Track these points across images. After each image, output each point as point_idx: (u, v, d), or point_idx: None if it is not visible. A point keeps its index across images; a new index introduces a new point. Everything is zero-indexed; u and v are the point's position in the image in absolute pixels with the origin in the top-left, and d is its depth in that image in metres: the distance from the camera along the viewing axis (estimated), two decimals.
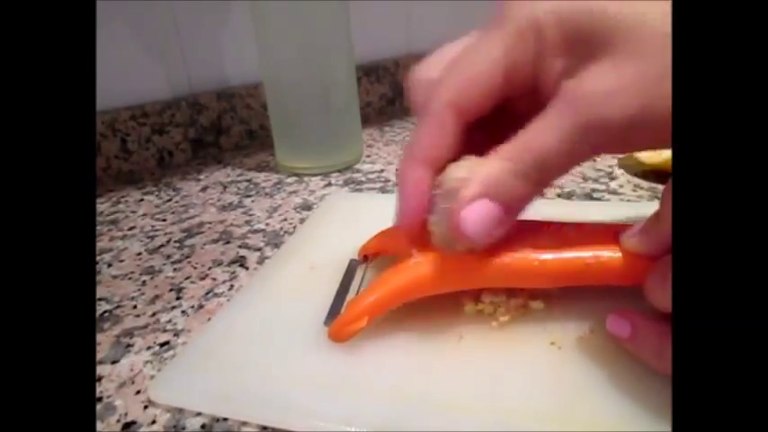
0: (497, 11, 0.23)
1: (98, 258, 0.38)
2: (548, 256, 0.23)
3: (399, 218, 0.24)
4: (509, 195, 0.21)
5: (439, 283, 0.24)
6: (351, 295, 0.28)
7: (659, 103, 0.19)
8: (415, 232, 0.24)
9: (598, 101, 0.19)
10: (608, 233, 0.24)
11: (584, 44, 0.20)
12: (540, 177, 0.21)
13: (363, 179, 0.49)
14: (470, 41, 0.23)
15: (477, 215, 0.21)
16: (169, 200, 0.49)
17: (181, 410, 0.23)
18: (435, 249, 0.24)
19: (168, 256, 0.38)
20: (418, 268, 0.24)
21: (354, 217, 0.39)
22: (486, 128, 0.23)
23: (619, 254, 0.23)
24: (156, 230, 0.42)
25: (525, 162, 0.21)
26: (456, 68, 0.23)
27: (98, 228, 0.44)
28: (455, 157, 0.23)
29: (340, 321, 0.24)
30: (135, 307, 0.32)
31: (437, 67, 0.24)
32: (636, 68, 0.19)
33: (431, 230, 0.24)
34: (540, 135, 0.20)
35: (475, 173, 0.21)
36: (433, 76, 0.24)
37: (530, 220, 0.25)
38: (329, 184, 0.48)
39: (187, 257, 0.37)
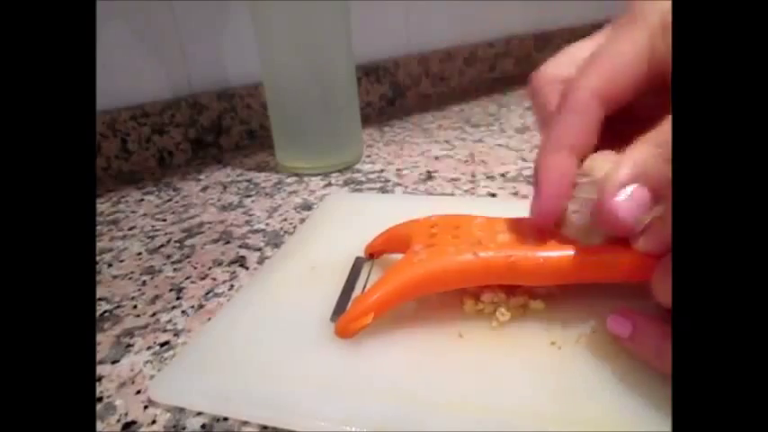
0: (628, 9, 0.23)
1: (98, 258, 0.38)
2: (551, 253, 0.23)
3: (538, 205, 0.24)
4: (658, 180, 0.21)
5: (446, 279, 0.24)
6: (356, 292, 0.28)
7: None
8: (551, 221, 0.24)
9: None
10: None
11: None
12: None
13: (363, 179, 0.49)
14: (603, 38, 0.24)
15: (628, 200, 0.21)
16: (169, 200, 0.49)
17: (181, 410, 0.23)
18: (440, 246, 0.24)
19: (168, 256, 0.38)
20: (425, 265, 0.24)
21: (354, 217, 0.39)
22: (618, 123, 0.23)
23: (623, 251, 0.23)
24: (157, 230, 0.42)
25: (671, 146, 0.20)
26: (599, 60, 0.23)
27: (98, 228, 0.44)
28: (594, 149, 0.23)
29: (346, 317, 0.24)
30: (135, 307, 0.32)
31: (565, 65, 0.24)
32: None
33: (568, 220, 0.23)
34: None
35: (623, 160, 0.21)
36: (562, 74, 0.24)
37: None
38: (329, 184, 0.48)
39: (187, 257, 0.37)
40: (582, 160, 0.23)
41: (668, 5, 0.21)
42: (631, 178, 0.21)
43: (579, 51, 0.24)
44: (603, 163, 0.22)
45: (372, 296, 0.24)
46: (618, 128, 0.23)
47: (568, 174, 0.23)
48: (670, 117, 0.20)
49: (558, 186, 0.23)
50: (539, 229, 0.25)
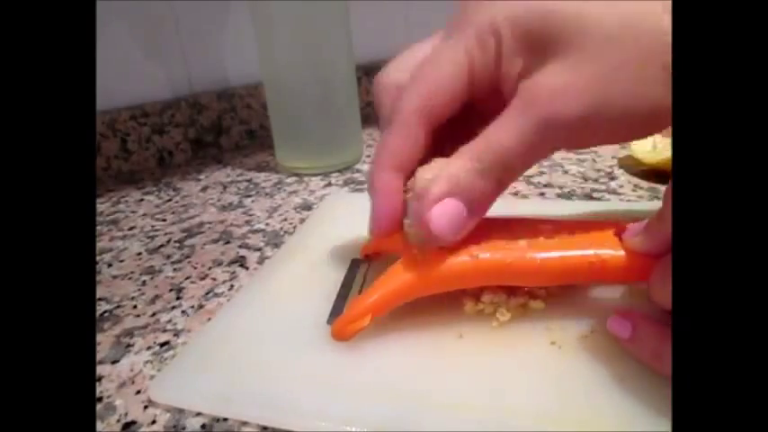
0: (456, 12, 0.24)
1: (98, 258, 0.38)
2: (550, 254, 0.23)
3: (373, 223, 0.25)
4: (473, 193, 0.22)
5: (442, 281, 0.24)
6: (353, 294, 0.28)
7: (611, 100, 0.20)
8: (389, 236, 0.25)
9: (553, 99, 0.20)
10: (610, 232, 0.24)
11: (539, 45, 0.21)
12: (502, 175, 0.22)
13: (363, 179, 0.49)
14: (432, 45, 0.24)
15: (443, 214, 0.22)
16: (169, 200, 0.49)
17: (181, 410, 0.23)
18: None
19: (168, 256, 0.38)
20: (422, 267, 0.24)
21: (354, 217, 0.38)
22: (452, 127, 0.24)
23: (621, 252, 0.23)
24: (156, 230, 0.42)
25: (487, 161, 0.21)
26: (420, 75, 0.23)
27: (98, 228, 0.44)
28: (424, 160, 0.24)
29: (343, 320, 0.24)
30: (135, 307, 0.32)
31: (402, 70, 0.25)
32: (587, 67, 0.20)
33: (406, 232, 0.24)
34: (500, 134, 0.21)
35: (440, 172, 0.22)
36: (399, 80, 0.24)
37: (532, 218, 0.25)
38: (329, 184, 0.48)
39: (187, 257, 0.37)
40: (411, 174, 0.24)
41: (492, 10, 0.22)
42: (444, 192, 0.22)
43: (416, 54, 0.25)
44: (425, 173, 0.23)
45: (369, 299, 0.24)
46: (464, 127, 0.24)
47: (394, 192, 0.24)
48: (489, 128, 0.22)
49: (386, 204, 0.24)
50: (539, 227, 0.25)
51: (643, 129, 0.22)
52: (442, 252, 0.24)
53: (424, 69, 0.23)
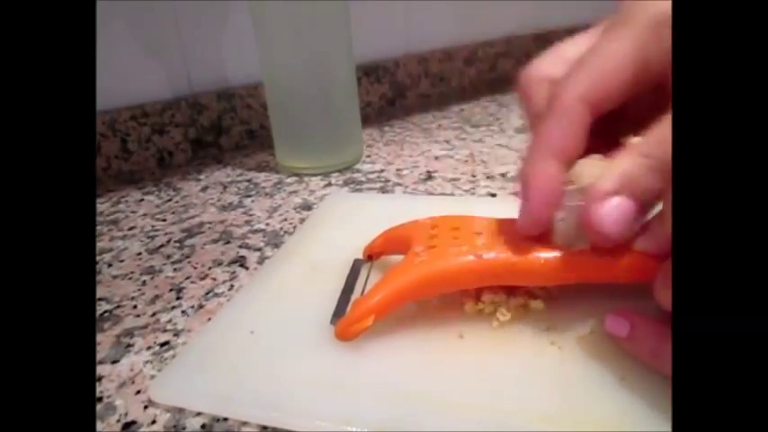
0: (618, 9, 0.23)
1: (98, 258, 0.38)
2: (552, 254, 0.23)
3: (526, 214, 0.23)
4: (644, 191, 0.21)
5: (446, 282, 0.24)
6: (356, 294, 0.28)
7: None
8: (540, 229, 0.23)
9: None
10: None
11: None
12: None
13: (363, 179, 0.49)
14: (591, 39, 0.23)
15: (614, 212, 0.21)
16: (169, 200, 0.49)
17: (181, 410, 0.23)
18: (438, 249, 0.24)
19: (168, 256, 0.38)
20: (425, 267, 0.24)
21: (354, 217, 0.39)
22: (610, 125, 0.23)
23: (623, 252, 0.23)
24: (156, 230, 0.42)
25: (659, 158, 0.20)
26: (586, 63, 0.23)
27: (98, 228, 0.44)
28: (582, 154, 0.23)
29: (346, 320, 0.24)
30: (135, 307, 0.32)
31: (554, 64, 0.24)
32: None
33: (555, 227, 0.23)
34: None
35: (609, 169, 0.21)
36: (552, 73, 0.24)
37: None
38: (329, 184, 0.48)
39: (187, 257, 0.37)
40: (569, 166, 0.23)
41: (660, 7, 0.21)
42: (617, 189, 0.21)
43: (568, 50, 0.24)
44: (591, 169, 0.22)
45: (373, 298, 0.24)
46: (612, 129, 0.23)
47: (555, 182, 0.23)
48: (660, 123, 0.20)
49: (546, 195, 0.23)
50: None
51: None
52: (445, 253, 0.24)
53: (590, 59, 0.22)
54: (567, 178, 0.23)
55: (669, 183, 0.21)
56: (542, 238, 0.24)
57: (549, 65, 0.25)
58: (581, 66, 0.23)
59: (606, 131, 0.23)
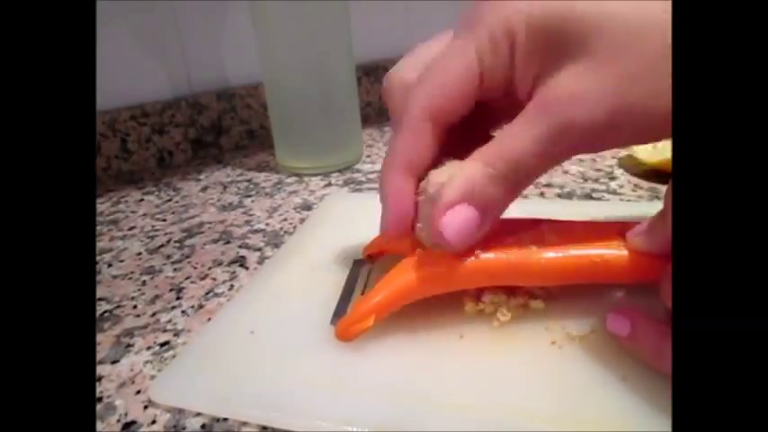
0: (470, 11, 0.23)
1: (98, 258, 0.38)
2: (554, 254, 0.23)
3: (384, 226, 0.25)
4: (487, 199, 0.21)
5: (446, 282, 0.24)
6: (356, 295, 0.28)
7: (634, 102, 0.19)
8: (401, 238, 0.25)
9: (573, 103, 0.19)
10: (613, 231, 0.24)
11: (556, 47, 0.20)
12: (517, 180, 0.21)
13: (363, 179, 0.49)
14: (444, 44, 0.23)
15: (456, 220, 0.21)
16: (169, 200, 0.49)
17: (181, 410, 0.23)
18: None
19: (168, 256, 0.38)
20: (425, 267, 0.24)
21: (354, 217, 0.39)
22: (466, 127, 0.23)
23: (624, 252, 0.23)
24: (156, 230, 0.42)
25: (502, 166, 0.21)
26: (430, 75, 0.23)
27: (98, 228, 0.44)
28: (436, 161, 0.23)
29: (347, 321, 0.24)
30: (135, 307, 0.32)
31: (413, 68, 0.24)
32: (608, 69, 0.19)
33: (418, 235, 0.24)
34: (515, 139, 0.21)
35: (453, 178, 0.21)
36: (409, 79, 0.24)
37: (535, 218, 0.25)
38: (329, 184, 0.48)
39: (187, 257, 0.37)
40: (422, 175, 0.24)
41: (513, 11, 0.21)
42: (457, 198, 0.21)
43: (424, 53, 0.24)
44: (439, 177, 0.22)
45: (373, 299, 0.24)
46: (479, 127, 0.23)
47: (406, 194, 0.23)
48: (503, 132, 0.21)
49: (397, 207, 0.24)
50: (542, 227, 0.25)
51: (665, 128, 0.20)
52: (446, 253, 0.24)
53: (433, 70, 0.23)
54: (420, 188, 0.23)
55: (518, 189, 0.22)
56: (542, 235, 0.24)
57: (405, 69, 0.25)
58: (424, 79, 0.23)
59: (469, 134, 0.23)
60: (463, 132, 0.23)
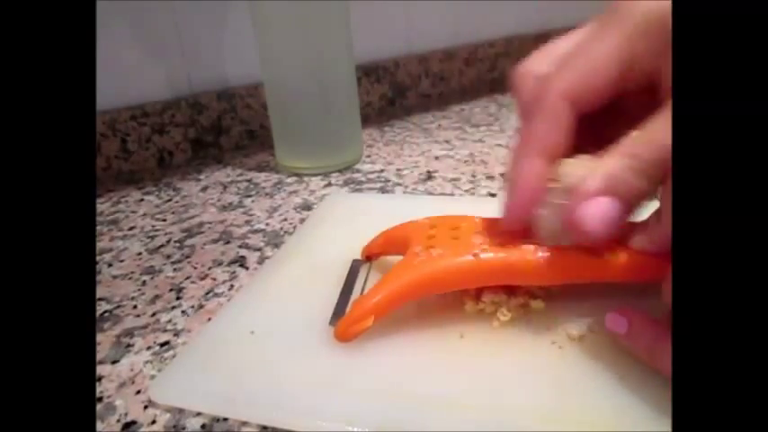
0: (609, 8, 0.23)
1: (98, 258, 0.38)
2: (551, 253, 0.23)
3: (509, 209, 0.24)
4: (628, 192, 0.21)
5: (445, 281, 0.24)
6: (355, 295, 0.28)
7: None
8: (521, 225, 0.24)
9: None
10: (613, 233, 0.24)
11: None
12: (659, 174, 0.21)
13: (363, 179, 0.49)
14: (581, 37, 0.23)
15: (597, 212, 0.21)
16: (169, 200, 0.49)
17: (181, 410, 0.23)
18: (440, 245, 0.24)
19: (168, 256, 0.38)
20: (425, 267, 0.24)
21: (354, 217, 0.39)
22: (597, 125, 0.23)
23: (624, 251, 0.23)
24: (156, 230, 0.42)
25: (645, 159, 0.20)
26: (571, 61, 0.23)
27: (98, 228, 0.44)
28: (568, 152, 0.23)
29: (345, 321, 0.24)
30: (135, 307, 0.32)
31: (544, 62, 0.24)
32: None
33: (539, 223, 0.23)
34: (661, 132, 0.20)
35: (594, 169, 0.21)
36: (541, 71, 0.24)
37: None
38: (329, 184, 0.48)
39: (187, 257, 0.37)
40: (555, 163, 0.23)
41: (649, 6, 0.21)
42: (600, 190, 0.21)
43: (558, 47, 0.24)
44: (577, 168, 0.22)
45: (372, 299, 0.24)
46: (605, 128, 0.23)
47: (538, 179, 0.23)
48: (647, 124, 0.20)
49: (529, 191, 0.23)
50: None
51: None
52: (444, 253, 0.24)
53: (575, 56, 0.23)
54: (553, 176, 0.23)
55: (657, 183, 0.21)
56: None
57: (539, 63, 0.25)
58: (566, 64, 0.23)
59: (599, 130, 0.23)
60: (595, 128, 0.23)
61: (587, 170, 0.21)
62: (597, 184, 0.21)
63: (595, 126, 0.23)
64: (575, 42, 0.23)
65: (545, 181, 0.23)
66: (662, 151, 0.20)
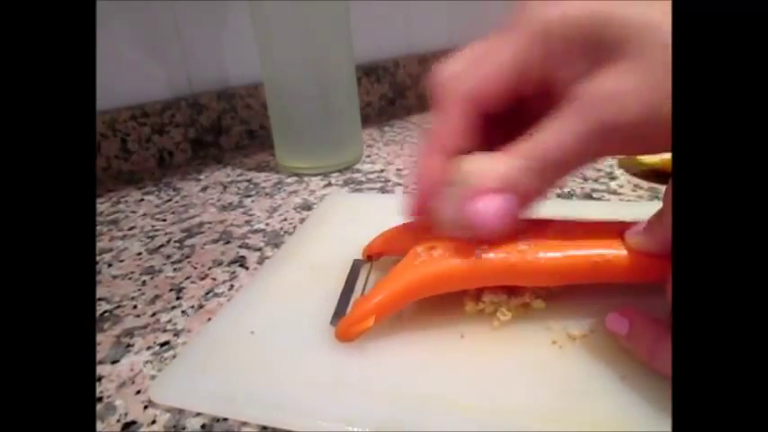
0: (517, 11, 0.24)
1: (98, 258, 0.38)
2: (554, 254, 0.23)
3: (410, 203, 0.26)
4: (521, 191, 0.22)
5: (446, 281, 0.24)
6: (356, 295, 0.28)
7: (669, 105, 0.19)
8: (422, 217, 0.25)
9: (612, 103, 0.20)
10: (613, 231, 0.24)
11: (595, 49, 0.21)
12: (552, 175, 0.22)
13: (363, 179, 0.49)
14: (490, 40, 0.24)
15: (488, 208, 0.22)
16: (169, 200, 0.49)
17: (181, 410, 0.23)
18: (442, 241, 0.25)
19: (168, 256, 0.38)
20: (426, 267, 0.24)
21: (354, 217, 0.39)
22: (502, 127, 0.24)
23: (624, 252, 0.23)
24: (156, 230, 0.42)
25: (539, 160, 0.21)
26: (472, 65, 0.24)
27: (98, 228, 0.44)
28: (470, 151, 0.24)
29: (347, 321, 0.24)
30: (135, 307, 0.32)
31: (461, 63, 0.25)
32: (647, 71, 0.19)
33: (436, 216, 0.24)
34: (554, 135, 0.21)
35: (488, 167, 0.22)
36: (454, 71, 0.25)
37: (536, 218, 0.26)
38: (329, 184, 0.48)
39: (187, 257, 0.37)
40: (455, 159, 0.24)
41: (550, 13, 0.22)
42: (491, 186, 0.22)
43: (475, 49, 0.25)
44: (474, 165, 0.23)
45: (373, 299, 0.24)
46: (512, 128, 0.24)
47: (436, 172, 0.24)
48: (541, 128, 0.22)
49: (426, 183, 0.25)
50: (543, 227, 0.25)
51: None
52: (446, 253, 0.24)
53: (479, 59, 0.24)
54: (451, 172, 0.24)
55: (550, 183, 0.22)
56: (543, 234, 0.24)
57: (455, 63, 0.26)
58: (470, 66, 0.24)
59: (509, 131, 0.24)
60: (499, 134, 0.24)
61: (484, 167, 0.22)
62: (493, 181, 0.22)
63: (505, 126, 0.24)
64: (484, 46, 0.24)
65: (441, 174, 0.24)
66: (553, 153, 0.21)
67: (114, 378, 0.26)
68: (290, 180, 0.50)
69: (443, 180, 0.24)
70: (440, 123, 0.24)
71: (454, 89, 0.24)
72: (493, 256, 0.24)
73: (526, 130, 0.22)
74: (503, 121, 0.24)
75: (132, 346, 0.28)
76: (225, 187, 0.50)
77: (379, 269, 0.30)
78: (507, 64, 0.23)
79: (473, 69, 0.24)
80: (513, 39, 0.23)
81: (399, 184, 0.47)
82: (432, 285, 0.24)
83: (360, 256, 0.31)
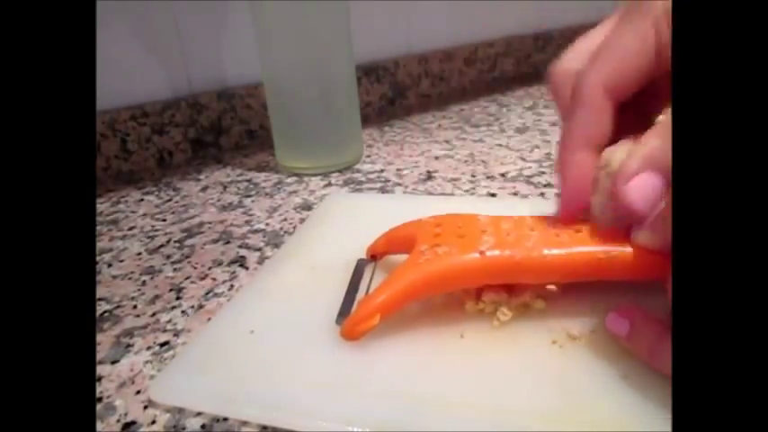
0: (626, 7, 0.24)
1: (98, 258, 0.38)
2: (559, 251, 0.23)
3: (564, 201, 0.25)
4: (667, 168, 0.22)
5: (452, 279, 0.24)
6: (360, 294, 0.28)
7: None
8: (578, 215, 0.25)
9: None
10: (617, 228, 0.24)
11: None
12: None
13: (363, 179, 0.49)
14: (608, 30, 0.24)
15: (639, 187, 0.22)
16: (169, 200, 0.49)
17: (181, 410, 0.23)
18: (443, 243, 0.25)
19: (168, 256, 0.38)
20: (430, 265, 0.24)
21: (354, 217, 0.39)
22: (635, 108, 0.24)
23: (629, 249, 0.23)
24: (156, 230, 0.42)
25: None
26: (604, 54, 0.24)
27: (98, 228, 0.44)
28: (613, 139, 0.24)
29: (352, 320, 0.24)
30: (135, 307, 0.32)
31: (575, 59, 0.25)
32: None
33: (593, 211, 0.24)
34: None
35: (634, 151, 0.22)
36: (572, 68, 0.25)
37: (540, 216, 0.26)
38: (329, 184, 0.48)
39: (187, 257, 0.37)
40: (600, 152, 0.24)
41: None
42: (641, 167, 0.22)
43: (589, 43, 0.25)
44: (620, 154, 0.23)
45: (379, 297, 0.24)
46: (643, 111, 0.24)
47: (588, 169, 0.24)
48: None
49: (579, 182, 0.24)
50: (547, 225, 0.25)
51: None
52: (450, 251, 0.24)
53: (607, 48, 0.23)
54: (599, 164, 0.24)
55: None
56: (545, 233, 0.24)
57: (572, 60, 0.26)
58: (599, 55, 0.24)
59: (640, 114, 0.24)
60: (634, 114, 0.24)
61: (630, 151, 0.22)
62: (636, 163, 0.22)
63: (635, 110, 0.24)
64: (602, 36, 0.24)
65: (591, 170, 0.24)
66: None
67: (114, 378, 0.26)
68: (290, 180, 0.50)
69: (592, 175, 0.24)
70: (580, 117, 0.24)
71: (588, 80, 0.23)
72: (498, 253, 0.24)
73: (660, 110, 0.22)
74: (637, 103, 0.24)
75: (132, 346, 0.28)
76: (225, 187, 0.50)
77: (384, 268, 0.30)
78: (640, 48, 0.22)
79: (605, 56, 0.23)
80: (639, 23, 0.23)
81: (399, 184, 0.47)
82: (437, 283, 0.24)
83: (361, 256, 0.31)
